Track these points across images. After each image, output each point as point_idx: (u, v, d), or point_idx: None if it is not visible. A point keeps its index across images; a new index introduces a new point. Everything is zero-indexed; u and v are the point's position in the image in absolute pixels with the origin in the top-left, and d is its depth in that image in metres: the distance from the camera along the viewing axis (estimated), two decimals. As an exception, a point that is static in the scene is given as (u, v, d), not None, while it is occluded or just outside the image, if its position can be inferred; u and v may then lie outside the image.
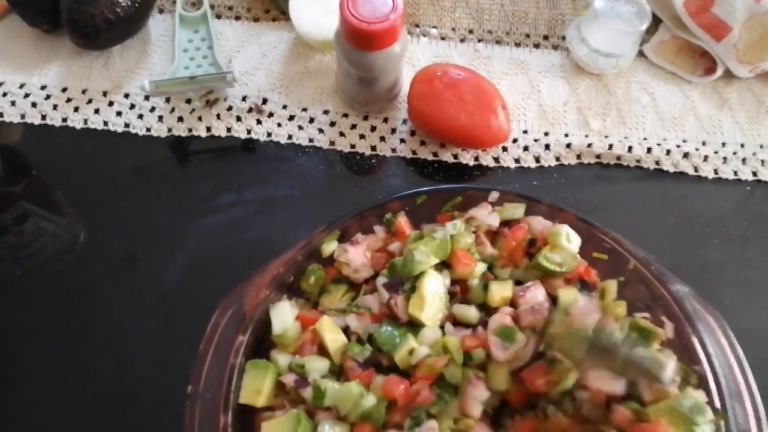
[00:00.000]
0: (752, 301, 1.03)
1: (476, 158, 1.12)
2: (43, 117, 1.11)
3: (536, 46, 1.23)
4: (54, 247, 1.04)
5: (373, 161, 1.11)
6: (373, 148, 1.11)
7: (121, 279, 1.00)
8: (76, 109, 1.12)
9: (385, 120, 1.13)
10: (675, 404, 0.71)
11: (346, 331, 0.81)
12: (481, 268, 0.85)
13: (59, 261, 1.02)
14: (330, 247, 0.85)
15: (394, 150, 1.11)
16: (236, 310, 0.77)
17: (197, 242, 1.02)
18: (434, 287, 0.81)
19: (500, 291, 0.82)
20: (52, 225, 1.07)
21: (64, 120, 1.11)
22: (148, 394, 0.90)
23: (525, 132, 1.14)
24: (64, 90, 1.13)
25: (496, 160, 1.12)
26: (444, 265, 0.85)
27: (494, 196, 0.87)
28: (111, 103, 1.13)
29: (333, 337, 0.79)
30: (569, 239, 0.85)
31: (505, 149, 1.12)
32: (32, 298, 0.99)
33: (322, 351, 0.79)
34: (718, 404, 0.75)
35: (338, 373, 0.78)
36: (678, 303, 0.80)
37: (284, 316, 0.79)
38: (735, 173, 1.13)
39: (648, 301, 0.84)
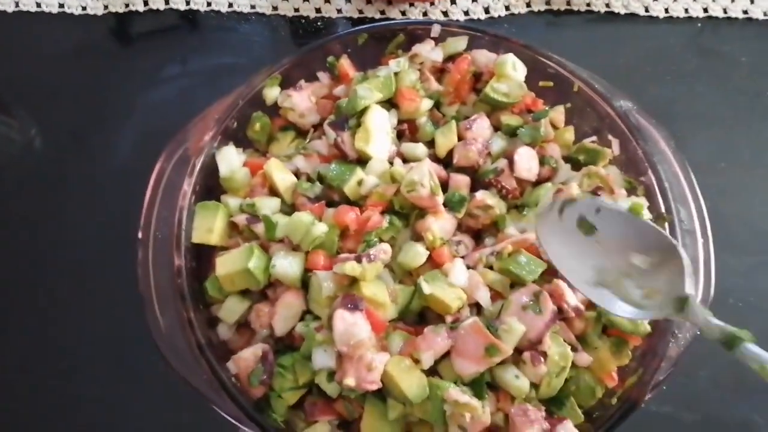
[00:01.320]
0: (704, 132, 1.04)
1: (425, 13, 1.09)
2: (-29, 2, 1.06)
3: None
4: (8, 149, 1.02)
5: (318, 24, 1.08)
6: (318, 10, 1.08)
7: (73, 158, 0.99)
8: (5, -8, 1.07)
9: (329, -20, 1.10)
10: (614, 207, 0.73)
11: (296, 174, 0.81)
12: (426, 104, 0.85)
13: (13, 162, 1.00)
14: (272, 92, 0.84)
15: (339, 11, 1.09)
16: (181, 155, 0.77)
17: (146, 114, 1.01)
18: (379, 122, 0.80)
19: (445, 141, 0.82)
20: (2, 126, 1.05)
21: (-7, 4, 1.07)
22: (106, 250, 0.90)
23: (473, -17, 1.11)
24: (-11, -27, 1.08)
25: (445, 14, 1.10)
26: (391, 105, 0.85)
27: (436, 29, 0.86)
28: (41, -17, 1.08)
29: (282, 176, 0.79)
30: (515, 68, 0.84)
31: (453, 2, 1.10)
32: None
33: (273, 194, 0.80)
34: (663, 208, 0.78)
35: (290, 213, 0.78)
36: (621, 118, 0.81)
37: (230, 159, 0.79)
38: (686, 11, 1.12)
39: (595, 123, 0.85)
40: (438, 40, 0.87)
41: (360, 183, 0.77)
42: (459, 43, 0.86)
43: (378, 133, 0.79)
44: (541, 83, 0.87)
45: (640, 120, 0.81)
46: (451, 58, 0.87)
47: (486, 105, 0.86)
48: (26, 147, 1.02)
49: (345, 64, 0.85)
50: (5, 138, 1.04)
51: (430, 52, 0.85)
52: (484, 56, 0.86)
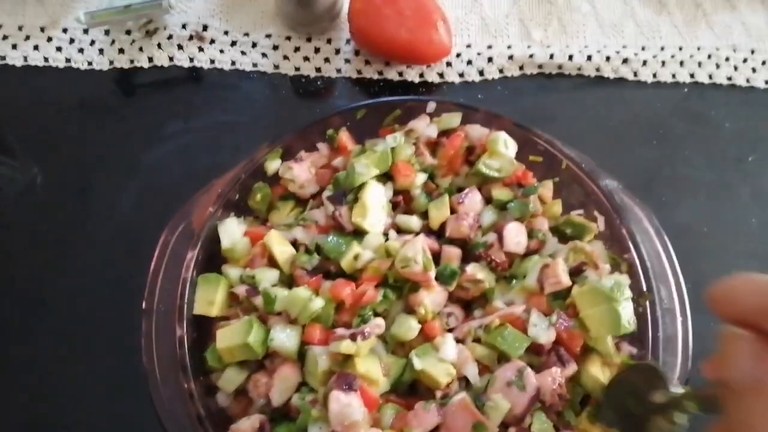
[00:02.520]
0: (688, 197, 1.08)
1: (421, 75, 1.13)
2: (-19, 56, 1.09)
3: (477, -42, 1.23)
4: (10, 189, 1.05)
5: (318, 83, 1.12)
6: (318, 69, 1.12)
7: (76, 212, 1.01)
8: (14, 47, 1.10)
9: (329, 41, 1.13)
10: (597, 285, 0.76)
11: (294, 244, 0.85)
12: (421, 178, 0.88)
13: (15, 203, 1.03)
14: (274, 164, 0.87)
15: (339, 71, 1.12)
16: (185, 227, 0.80)
17: (148, 171, 1.04)
18: (376, 197, 0.84)
19: (438, 214, 0.86)
20: (6, 169, 1.08)
21: (3, 58, 1.10)
22: (106, 314, 0.93)
23: (468, 46, 1.15)
24: (-1, 27, 1.11)
25: (441, 75, 1.13)
26: (387, 177, 0.88)
27: (431, 106, 0.90)
28: (50, 39, 1.11)
29: (281, 248, 0.82)
30: (506, 145, 0.88)
31: (449, 64, 1.14)
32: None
33: (272, 264, 0.83)
34: (644, 287, 0.81)
35: (288, 283, 0.82)
36: (607, 197, 0.85)
37: (232, 231, 0.82)
38: (673, 76, 1.16)
39: (582, 198, 0.88)
40: (433, 114, 0.91)
41: (356, 257, 0.80)
42: (453, 119, 0.90)
43: (374, 208, 0.83)
44: (530, 158, 0.90)
45: (624, 199, 0.85)
46: (445, 132, 0.91)
47: (478, 177, 0.89)
48: (28, 190, 1.04)
49: (344, 137, 0.89)
50: (8, 178, 1.07)
51: (425, 128, 0.89)
52: (476, 131, 0.90)
